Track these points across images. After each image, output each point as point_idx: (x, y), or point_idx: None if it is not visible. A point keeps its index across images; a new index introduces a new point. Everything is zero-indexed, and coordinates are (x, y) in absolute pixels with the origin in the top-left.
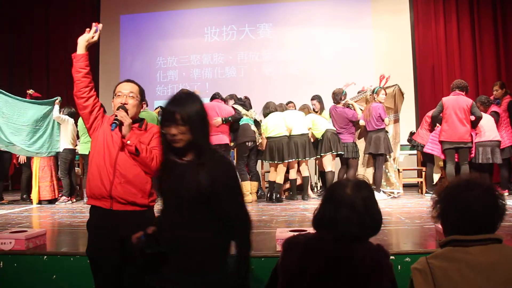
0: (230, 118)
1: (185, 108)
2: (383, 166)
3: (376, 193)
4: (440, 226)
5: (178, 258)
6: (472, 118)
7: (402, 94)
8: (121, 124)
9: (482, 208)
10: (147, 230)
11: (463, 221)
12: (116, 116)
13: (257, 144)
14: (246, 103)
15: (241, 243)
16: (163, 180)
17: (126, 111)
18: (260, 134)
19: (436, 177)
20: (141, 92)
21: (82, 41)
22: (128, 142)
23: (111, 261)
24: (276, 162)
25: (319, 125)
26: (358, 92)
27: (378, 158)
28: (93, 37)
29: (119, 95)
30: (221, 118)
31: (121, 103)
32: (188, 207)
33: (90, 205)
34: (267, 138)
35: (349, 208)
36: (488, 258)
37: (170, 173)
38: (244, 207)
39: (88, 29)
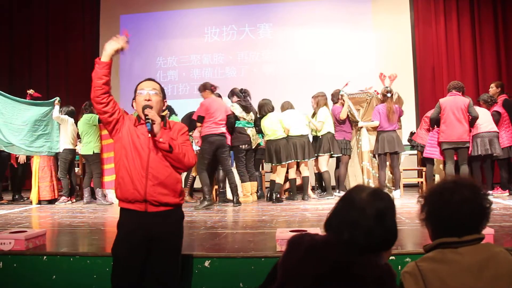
0: None
1: None
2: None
3: (397, 191)
4: None
5: None
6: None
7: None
8: (152, 122)
9: (469, 210)
10: None
11: (451, 223)
12: (147, 115)
13: (253, 147)
14: (247, 105)
15: None
16: None
17: (151, 109)
18: (262, 135)
19: (437, 177)
20: (162, 89)
21: (110, 50)
22: (161, 139)
23: (137, 260)
24: (274, 164)
25: (326, 124)
26: (361, 91)
27: (398, 156)
28: (123, 47)
29: (141, 93)
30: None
31: (145, 100)
32: None
33: (120, 207)
34: (266, 140)
35: (359, 213)
36: (477, 257)
37: None
38: None
39: (117, 36)
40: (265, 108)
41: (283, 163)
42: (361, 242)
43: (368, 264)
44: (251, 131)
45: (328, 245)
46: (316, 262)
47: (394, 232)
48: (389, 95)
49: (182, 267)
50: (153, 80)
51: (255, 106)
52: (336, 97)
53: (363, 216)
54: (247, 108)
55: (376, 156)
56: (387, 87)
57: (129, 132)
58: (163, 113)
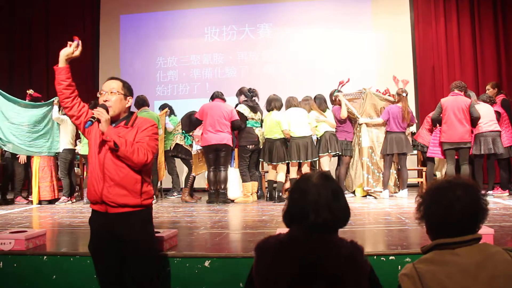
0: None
1: None
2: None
3: (405, 190)
4: None
5: None
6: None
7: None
8: (98, 121)
9: (462, 209)
10: None
11: (447, 222)
12: (93, 114)
13: (260, 147)
14: (254, 105)
15: None
16: None
17: (107, 108)
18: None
19: (438, 176)
20: (125, 87)
21: (63, 55)
22: (107, 138)
23: (110, 257)
24: (266, 162)
25: (319, 125)
26: (358, 91)
27: (405, 156)
28: (73, 52)
29: (101, 94)
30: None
31: (104, 101)
32: None
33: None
34: (265, 138)
35: (316, 194)
36: (474, 258)
37: None
38: None
39: (70, 43)
40: (274, 103)
41: (274, 163)
42: (327, 218)
43: (338, 247)
44: (259, 131)
45: (293, 242)
46: (287, 264)
47: (348, 208)
48: (404, 94)
49: (163, 268)
50: (116, 78)
51: (261, 104)
52: (331, 97)
53: (321, 197)
54: (254, 109)
55: (384, 156)
56: (401, 88)
57: (95, 135)
58: (163, 112)
